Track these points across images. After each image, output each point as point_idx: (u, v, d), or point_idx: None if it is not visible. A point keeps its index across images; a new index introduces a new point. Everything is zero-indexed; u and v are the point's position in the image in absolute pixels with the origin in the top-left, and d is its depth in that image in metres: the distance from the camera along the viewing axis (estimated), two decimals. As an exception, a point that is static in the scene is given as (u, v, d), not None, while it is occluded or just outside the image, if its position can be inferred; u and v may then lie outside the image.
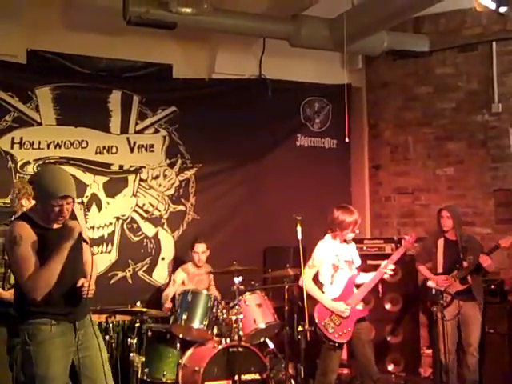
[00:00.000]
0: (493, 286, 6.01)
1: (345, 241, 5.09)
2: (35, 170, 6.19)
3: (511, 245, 5.82)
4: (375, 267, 6.43)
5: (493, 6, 5.78)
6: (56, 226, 3.65)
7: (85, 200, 6.45)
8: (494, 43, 7.05)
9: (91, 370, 3.69)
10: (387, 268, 5.04)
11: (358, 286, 5.11)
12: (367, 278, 5.08)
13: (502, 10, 5.94)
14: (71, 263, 3.63)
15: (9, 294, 4.39)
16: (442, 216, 5.95)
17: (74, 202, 3.65)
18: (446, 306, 5.75)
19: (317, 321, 4.92)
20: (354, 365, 5.69)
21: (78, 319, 3.69)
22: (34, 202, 4.30)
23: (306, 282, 4.98)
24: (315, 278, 5.13)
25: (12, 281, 4.47)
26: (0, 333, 4.59)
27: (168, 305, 6.11)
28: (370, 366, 4.94)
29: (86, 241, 3.81)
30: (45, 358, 3.52)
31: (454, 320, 5.79)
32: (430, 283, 6.01)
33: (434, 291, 5.78)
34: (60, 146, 6.39)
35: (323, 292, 5.04)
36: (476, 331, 5.84)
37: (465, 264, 5.80)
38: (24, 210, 4.54)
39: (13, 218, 4.14)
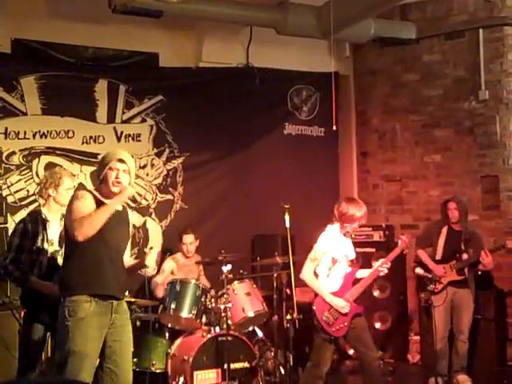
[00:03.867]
0: (479, 272, 6.03)
1: (344, 234, 5.05)
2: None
3: None
4: (363, 254, 6.51)
5: (479, -8, 5.80)
6: (115, 191, 3.77)
7: (71, 191, 6.40)
8: (480, 30, 7.07)
9: (119, 356, 3.75)
10: (383, 266, 5.03)
11: (354, 281, 5.08)
12: (364, 274, 5.07)
13: (489, -5, 5.96)
14: (117, 236, 3.79)
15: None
16: (449, 208, 5.91)
17: (129, 174, 3.81)
18: (435, 293, 5.78)
19: (316, 313, 4.91)
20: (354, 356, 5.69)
21: (117, 297, 3.76)
22: (61, 191, 4.55)
23: (307, 275, 4.93)
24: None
25: None
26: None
27: (160, 293, 6.10)
28: (370, 352, 4.89)
29: None
30: (82, 335, 3.60)
31: (447, 305, 5.82)
32: (418, 270, 6.04)
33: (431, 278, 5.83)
34: (46, 136, 6.35)
35: (319, 284, 5.00)
36: (467, 318, 5.86)
37: (464, 256, 5.81)
38: (51, 200, 4.59)
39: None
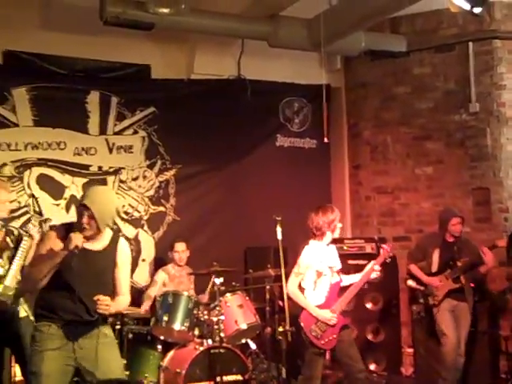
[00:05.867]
0: (472, 284, 6.03)
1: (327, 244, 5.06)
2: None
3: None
4: (356, 267, 6.49)
5: (467, 6, 5.81)
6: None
7: (63, 202, 6.39)
8: (470, 43, 7.12)
9: (95, 376, 3.72)
10: (374, 270, 5.03)
11: (340, 291, 5.08)
12: (351, 280, 5.07)
13: (477, 10, 5.98)
14: (83, 273, 3.70)
15: None
16: (454, 223, 5.91)
17: (96, 221, 3.69)
18: (436, 305, 5.77)
19: (303, 327, 4.89)
20: (340, 368, 5.67)
21: (79, 326, 3.72)
22: None
23: (292, 289, 4.94)
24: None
25: None
26: None
27: (146, 306, 6.08)
28: (356, 364, 4.89)
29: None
30: (38, 355, 3.66)
31: (450, 312, 5.80)
32: (410, 282, 6.04)
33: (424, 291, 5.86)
34: (37, 148, 6.33)
35: (305, 297, 4.97)
36: (465, 333, 5.86)
37: (459, 264, 5.81)
38: None
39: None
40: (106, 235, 3.86)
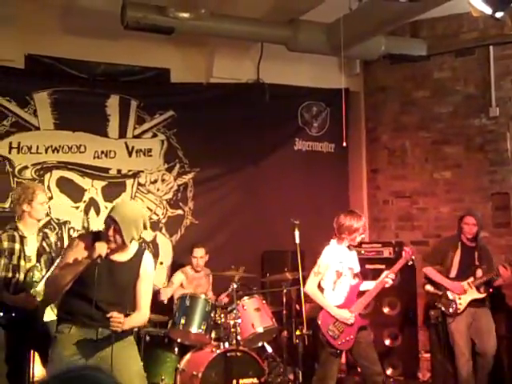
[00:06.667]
0: (491, 290, 5.98)
1: (348, 247, 5.07)
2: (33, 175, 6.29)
3: None
4: (373, 271, 6.49)
5: (489, 11, 5.77)
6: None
7: (82, 205, 6.46)
8: (491, 47, 7.08)
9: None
10: (388, 277, 5.03)
11: (359, 294, 5.09)
12: (370, 286, 5.07)
13: (498, 15, 5.92)
14: (106, 283, 3.78)
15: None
16: (467, 223, 5.80)
17: (121, 235, 3.75)
18: (458, 314, 5.70)
19: (321, 327, 4.90)
20: (356, 373, 5.65)
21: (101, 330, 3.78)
22: (35, 206, 4.61)
23: (311, 288, 4.96)
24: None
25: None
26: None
27: (164, 297, 6.12)
28: (373, 367, 4.90)
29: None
30: (56, 356, 3.73)
31: (467, 322, 5.71)
32: (427, 287, 5.99)
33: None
34: (58, 151, 6.41)
35: (324, 297, 4.99)
36: (493, 339, 5.72)
37: (479, 272, 5.73)
38: (26, 215, 4.61)
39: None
40: (132, 248, 3.91)
